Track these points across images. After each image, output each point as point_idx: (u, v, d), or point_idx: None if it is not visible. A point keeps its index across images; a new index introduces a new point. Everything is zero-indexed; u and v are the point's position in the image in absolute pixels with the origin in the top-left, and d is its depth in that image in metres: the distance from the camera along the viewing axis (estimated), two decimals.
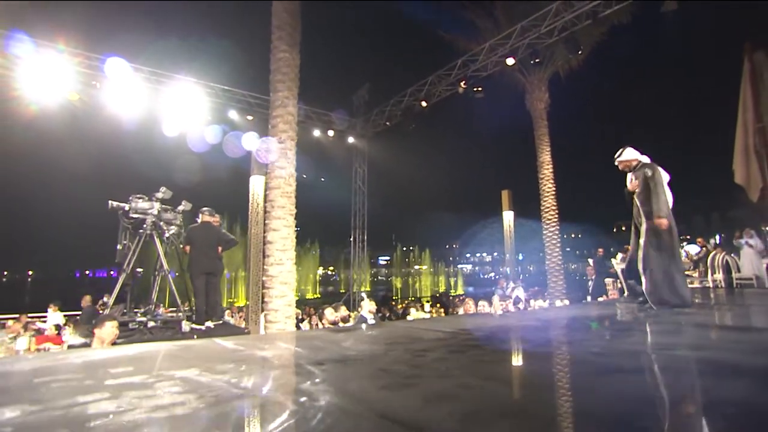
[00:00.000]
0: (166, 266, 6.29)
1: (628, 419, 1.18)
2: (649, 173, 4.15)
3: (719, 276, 9.25)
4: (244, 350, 2.54)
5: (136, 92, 11.53)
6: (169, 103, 11.93)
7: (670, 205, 4.14)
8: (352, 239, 15.10)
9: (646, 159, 4.33)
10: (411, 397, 1.43)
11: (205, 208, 6.87)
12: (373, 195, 15.65)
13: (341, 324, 6.25)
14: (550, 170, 11.56)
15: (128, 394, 1.47)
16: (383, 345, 2.54)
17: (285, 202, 6.32)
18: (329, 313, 5.38)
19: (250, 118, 13.36)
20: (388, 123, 13.96)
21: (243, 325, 8.26)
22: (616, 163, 4.45)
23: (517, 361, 2.25)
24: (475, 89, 11.50)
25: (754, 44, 8.33)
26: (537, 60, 10.34)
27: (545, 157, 11.63)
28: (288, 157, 6.43)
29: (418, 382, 1.66)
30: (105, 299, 13.50)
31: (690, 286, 9.71)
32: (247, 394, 1.56)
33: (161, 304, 6.75)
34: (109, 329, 4.32)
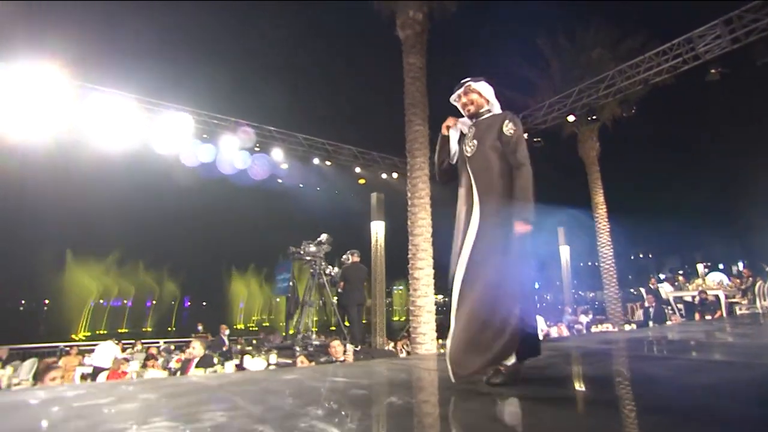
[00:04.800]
0: (334, 300, 7.72)
1: None
2: (512, 129, 2.34)
3: (766, 303, 10.63)
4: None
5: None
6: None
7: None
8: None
9: (497, 107, 2.56)
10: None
11: (354, 251, 8.37)
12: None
13: None
14: (605, 210, 13.11)
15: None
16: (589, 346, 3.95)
17: (427, 246, 7.84)
18: None
19: (328, 163, 15.10)
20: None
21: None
22: (453, 98, 2.58)
23: None
24: (534, 140, 13.19)
25: None
26: (594, 117, 12.03)
27: (599, 198, 13.19)
28: (426, 209, 7.98)
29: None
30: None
31: (739, 312, 11.10)
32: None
33: (313, 331, 8.12)
34: (340, 346, 5.73)
